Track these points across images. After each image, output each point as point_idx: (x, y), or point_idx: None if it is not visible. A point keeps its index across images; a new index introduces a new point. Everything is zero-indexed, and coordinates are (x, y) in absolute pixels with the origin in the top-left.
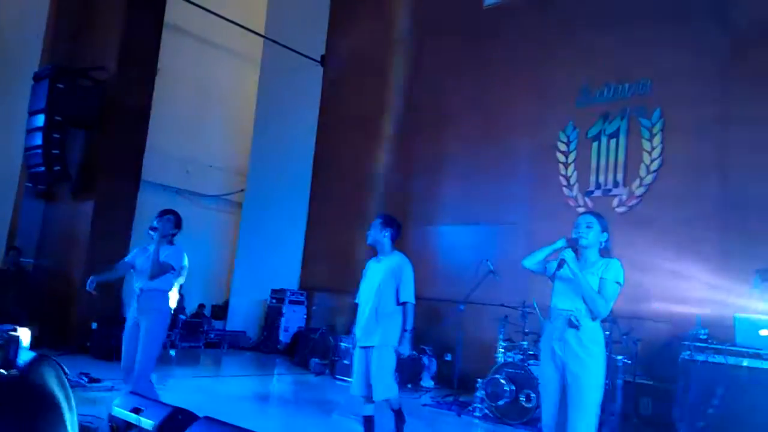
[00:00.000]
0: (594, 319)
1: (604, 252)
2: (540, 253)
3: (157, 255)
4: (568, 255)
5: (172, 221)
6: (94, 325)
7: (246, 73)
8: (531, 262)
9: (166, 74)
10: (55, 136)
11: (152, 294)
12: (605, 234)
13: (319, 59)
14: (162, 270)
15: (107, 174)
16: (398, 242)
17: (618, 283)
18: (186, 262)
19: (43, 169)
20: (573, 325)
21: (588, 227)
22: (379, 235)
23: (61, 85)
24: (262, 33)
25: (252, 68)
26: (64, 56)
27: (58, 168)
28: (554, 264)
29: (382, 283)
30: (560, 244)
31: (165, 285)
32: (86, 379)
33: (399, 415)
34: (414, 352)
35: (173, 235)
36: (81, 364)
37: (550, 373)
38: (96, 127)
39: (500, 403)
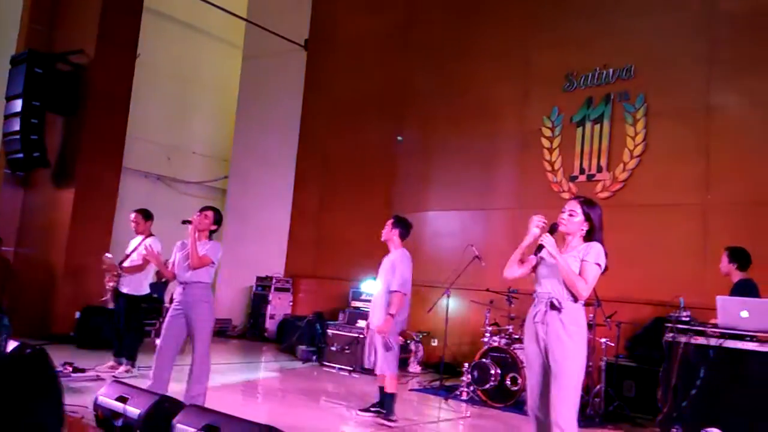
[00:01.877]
0: (576, 301)
1: (588, 239)
2: (514, 256)
3: (195, 248)
4: (547, 239)
5: (210, 218)
6: (78, 315)
7: (228, 58)
8: (509, 269)
9: (147, 59)
10: (34, 121)
11: (195, 286)
12: (589, 222)
13: (302, 43)
14: (201, 263)
15: (87, 160)
16: (383, 227)
17: (598, 264)
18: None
19: (21, 155)
20: (555, 307)
21: (570, 215)
22: (390, 233)
23: (38, 70)
24: (245, 17)
25: (234, 53)
26: (42, 41)
27: (37, 154)
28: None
29: (386, 275)
30: (534, 232)
31: (206, 277)
32: (70, 369)
33: (387, 395)
34: (399, 337)
35: (212, 231)
36: (65, 354)
37: (534, 356)
38: (75, 113)
39: (486, 386)
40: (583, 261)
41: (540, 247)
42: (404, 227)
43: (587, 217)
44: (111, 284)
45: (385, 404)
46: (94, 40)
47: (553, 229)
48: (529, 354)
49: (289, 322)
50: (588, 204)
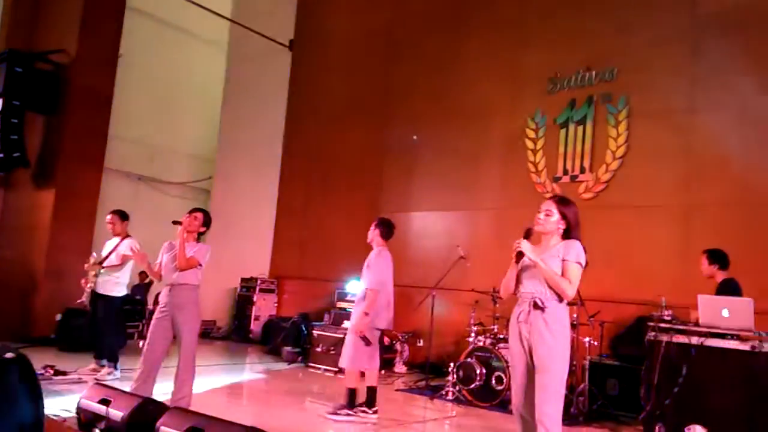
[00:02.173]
0: (560, 301)
1: (566, 237)
2: (507, 280)
3: (183, 249)
4: (524, 245)
5: (199, 219)
6: (59, 317)
7: (213, 58)
8: (507, 291)
9: (130, 59)
10: (14, 120)
11: (182, 288)
12: (566, 220)
13: (287, 44)
14: (189, 264)
15: (68, 160)
16: (368, 228)
17: (579, 263)
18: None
19: (1, 155)
20: (538, 307)
21: (546, 215)
22: (372, 233)
23: (18, 69)
24: (229, 17)
25: (219, 53)
26: (23, 39)
27: (17, 154)
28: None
29: (365, 274)
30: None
31: (193, 279)
32: (51, 372)
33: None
34: (376, 333)
35: (201, 233)
36: (46, 357)
37: (518, 355)
38: (56, 113)
39: (472, 386)
40: (564, 261)
41: (520, 254)
42: (384, 227)
43: (563, 216)
44: (88, 286)
45: (368, 397)
46: (76, 39)
47: (528, 234)
48: (513, 353)
49: (274, 324)
50: (563, 203)
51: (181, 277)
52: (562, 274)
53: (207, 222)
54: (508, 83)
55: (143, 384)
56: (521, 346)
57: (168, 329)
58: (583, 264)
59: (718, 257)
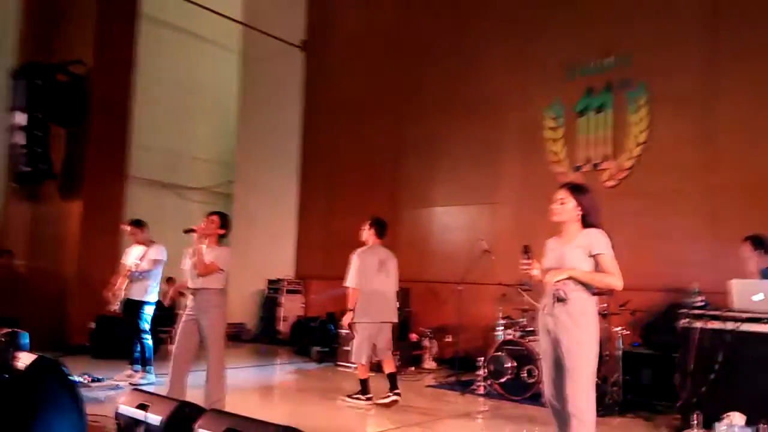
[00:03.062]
0: (586, 291)
1: (586, 224)
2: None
3: (201, 255)
4: (549, 277)
5: (216, 222)
6: (93, 325)
7: (226, 62)
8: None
9: (145, 67)
10: (38, 134)
11: (205, 293)
12: (582, 207)
13: (300, 44)
14: (208, 270)
15: (93, 171)
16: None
17: (610, 252)
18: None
19: (29, 168)
20: (561, 299)
21: (561, 203)
22: (367, 233)
23: (39, 82)
24: (240, 20)
25: (232, 56)
26: (41, 52)
27: (44, 167)
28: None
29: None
30: (534, 274)
31: (216, 283)
32: (89, 379)
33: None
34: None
35: (222, 235)
36: (82, 364)
37: (546, 347)
38: (78, 124)
39: (503, 379)
40: (597, 256)
41: (526, 248)
42: (378, 226)
43: (578, 202)
44: (120, 292)
45: (362, 387)
46: (92, 50)
47: (526, 251)
48: (542, 345)
49: (302, 324)
50: (576, 189)
51: (204, 282)
52: (600, 269)
53: (224, 224)
54: (522, 73)
55: (174, 388)
56: (548, 339)
57: (194, 333)
58: (612, 251)
59: (761, 242)
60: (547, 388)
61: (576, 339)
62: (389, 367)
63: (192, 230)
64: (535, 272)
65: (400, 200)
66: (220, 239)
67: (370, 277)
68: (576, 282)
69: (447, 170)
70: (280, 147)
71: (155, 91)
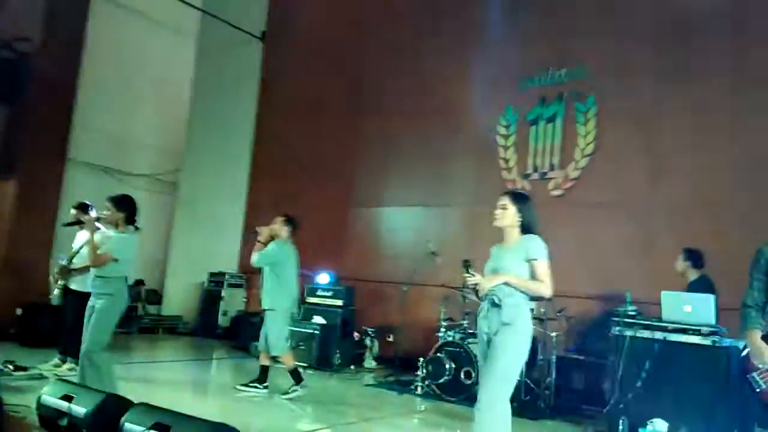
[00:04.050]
0: (522, 296)
1: (525, 230)
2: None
3: (92, 245)
4: (488, 283)
5: (112, 209)
6: (20, 311)
7: (181, 48)
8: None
9: (95, 47)
10: None
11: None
12: (522, 213)
13: (259, 35)
14: (100, 261)
15: (31, 152)
16: (342, 224)
17: (545, 259)
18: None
19: None
20: (495, 304)
21: (502, 209)
22: (279, 228)
23: None
24: (199, 6)
25: (188, 43)
26: None
27: None
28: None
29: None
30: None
31: (110, 272)
32: (12, 367)
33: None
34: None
35: (129, 218)
36: (6, 352)
37: (483, 350)
38: (19, 102)
39: (441, 380)
40: (533, 262)
41: (466, 263)
42: (289, 223)
43: (519, 210)
44: (59, 282)
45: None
46: (40, 27)
47: (467, 264)
48: (480, 348)
49: (242, 319)
50: (517, 197)
51: (98, 271)
52: (534, 276)
53: (121, 207)
54: (479, 79)
55: None
56: (484, 341)
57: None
58: (548, 258)
59: (692, 255)
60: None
61: (506, 340)
62: (271, 361)
63: (74, 223)
64: (473, 281)
65: (352, 198)
66: (126, 222)
67: (294, 270)
68: (510, 288)
69: (400, 171)
70: (232, 138)
71: (104, 72)
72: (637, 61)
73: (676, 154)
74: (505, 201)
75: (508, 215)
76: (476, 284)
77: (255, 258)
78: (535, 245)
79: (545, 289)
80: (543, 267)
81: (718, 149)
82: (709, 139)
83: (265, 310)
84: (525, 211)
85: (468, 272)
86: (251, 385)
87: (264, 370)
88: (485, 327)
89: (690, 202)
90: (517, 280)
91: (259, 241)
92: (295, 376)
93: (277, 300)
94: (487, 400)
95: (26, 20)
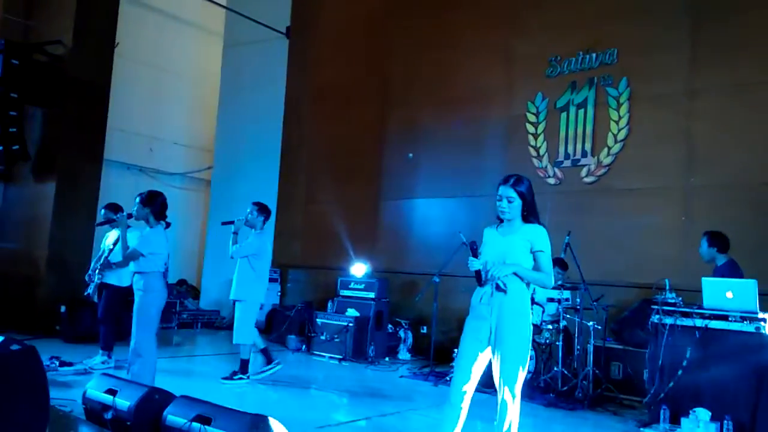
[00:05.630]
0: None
1: (527, 216)
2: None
3: (125, 241)
4: (496, 270)
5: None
6: (63, 309)
7: (209, 47)
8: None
9: (126, 49)
10: (12, 113)
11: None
12: (527, 203)
13: (284, 31)
14: (129, 256)
15: (68, 153)
16: (373, 216)
17: (549, 251)
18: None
19: (1, 148)
20: (500, 289)
21: (509, 202)
22: (253, 218)
23: (15, 61)
24: (224, 4)
25: (215, 41)
26: (19, 31)
27: (16, 147)
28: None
29: None
30: (476, 265)
31: (144, 267)
32: (57, 363)
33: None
34: None
35: (156, 214)
36: (51, 348)
37: (476, 335)
38: (54, 105)
39: None
40: (537, 253)
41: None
42: (263, 212)
43: (523, 200)
44: (96, 277)
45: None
46: (71, 30)
47: (473, 247)
48: (467, 331)
49: (278, 313)
50: (517, 183)
51: (135, 266)
52: (537, 265)
53: (147, 202)
54: (506, 67)
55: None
56: (478, 326)
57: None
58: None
59: (717, 239)
60: (462, 374)
61: (514, 328)
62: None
63: (107, 222)
64: (476, 265)
65: (381, 191)
66: (153, 218)
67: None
68: (515, 275)
69: (429, 162)
70: (261, 134)
71: (135, 73)
72: (670, 39)
73: (713, 137)
74: (510, 194)
75: (516, 207)
76: (481, 269)
77: (234, 250)
78: (541, 236)
79: (550, 279)
80: (546, 259)
81: (758, 130)
82: (749, 120)
83: (234, 301)
84: (529, 199)
85: (474, 256)
86: (265, 369)
87: (264, 352)
88: (486, 313)
89: (729, 187)
90: (526, 271)
91: (235, 233)
92: (244, 367)
93: (251, 291)
94: (511, 392)
95: (58, 24)
